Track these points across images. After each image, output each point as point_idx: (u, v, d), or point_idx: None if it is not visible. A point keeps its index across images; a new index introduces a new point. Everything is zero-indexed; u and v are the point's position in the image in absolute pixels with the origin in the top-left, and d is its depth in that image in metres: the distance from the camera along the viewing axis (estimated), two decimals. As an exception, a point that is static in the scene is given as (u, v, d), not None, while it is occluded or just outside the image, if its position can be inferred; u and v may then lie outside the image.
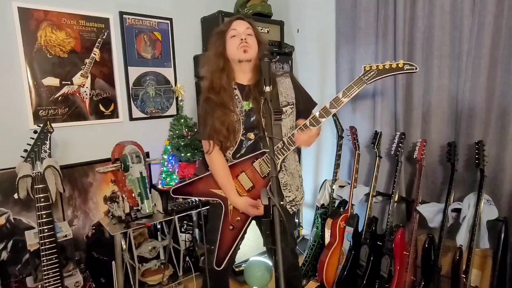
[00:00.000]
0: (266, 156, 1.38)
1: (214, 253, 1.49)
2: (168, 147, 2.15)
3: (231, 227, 1.42)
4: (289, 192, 1.47)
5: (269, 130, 1.11)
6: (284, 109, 1.43)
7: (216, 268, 1.43)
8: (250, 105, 1.43)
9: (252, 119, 1.43)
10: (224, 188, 1.44)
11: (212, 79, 1.42)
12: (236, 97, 1.43)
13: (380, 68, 1.35)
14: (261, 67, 1.26)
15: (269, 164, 1.37)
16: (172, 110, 2.41)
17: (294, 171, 1.51)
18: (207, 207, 2.18)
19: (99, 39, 2.04)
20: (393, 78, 2.13)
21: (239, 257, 1.99)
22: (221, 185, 1.45)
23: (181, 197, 1.52)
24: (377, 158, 2.13)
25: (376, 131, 2.19)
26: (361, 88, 1.36)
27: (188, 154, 2.25)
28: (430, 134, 2.05)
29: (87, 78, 2.02)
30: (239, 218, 1.43)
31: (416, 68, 1.34)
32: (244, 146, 1.44)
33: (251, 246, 2.37)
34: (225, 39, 1.43)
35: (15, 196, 1.46)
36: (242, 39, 1.38)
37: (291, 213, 1.49)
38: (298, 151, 1.54)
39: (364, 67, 1.36)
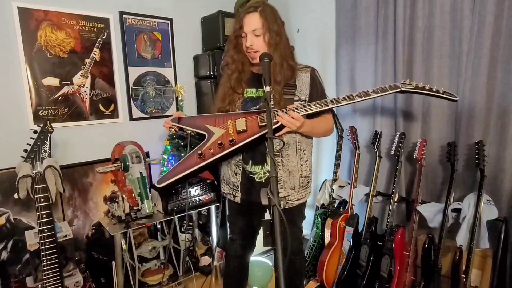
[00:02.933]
0: (276, 112, 1.35)
1: (237, 242, 1.63)
2: (168, 147, 2.15)
3: (199, 153, 1.38)
4: (281, 188, 1.46)
5: (269, 129, 1.10)
6: (296, 103, 1.41)
7: (156, 185, 1.40)
8: (254, 94, 1.45)
9: (252, 108, 1.44)
10: None
11: (226, 72, 1.49)
12: (242, 87, 1.47)
13: (420, 86, 1.43)
14: (262, 67, 1.26)
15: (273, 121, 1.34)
16: (172, 110, 2.41)
17: (293, 169, 1.48)
18: (207, 207, 2.20)
19: (99, 39, 2.04)
20: (393, 78, 2.13)
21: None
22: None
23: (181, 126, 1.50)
24: (377, 158, 2.13)
25: (376, 131, 2.19)
26: (393, 92, 1.41)
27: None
28: (430, 134, 2.05)
29: (87, 78, 2.02)
30: (212, 150, 1.39)
31: (456, 98, 1.45)
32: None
33: (251, 246, 2.37)
34: (239, 41, 1.44)
35: (15, 196, 1.46)
36: (247, 46, 1.40)
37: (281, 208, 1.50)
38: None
39: (404, 81, 1.44)
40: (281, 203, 1.48)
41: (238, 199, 1.54)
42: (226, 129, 1.40)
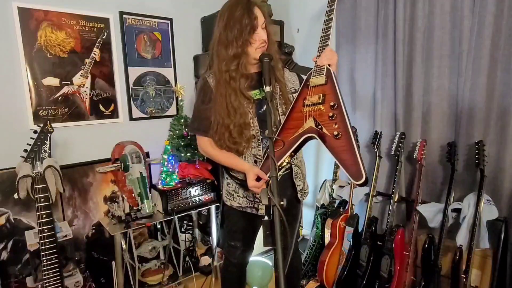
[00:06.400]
0: (314, 70, 1.30)
1: (239, 249, 1.56)
2: (168, 147, 2.15)
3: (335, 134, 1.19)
4: (299, 180, 1.47)
5: (269, 129, 1.10)
6: (293, 95, 1.40)
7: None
8: (260, 95, 1.39)
9: (262, 109, 1.39)
10: (234, 165, 1.39)
11: (227, 77, 1.33)
12: (249, 98, 1.36)
13: None
14: (262, 67, 1.26)
15: (321, 72, 1.27)
16: (172, 110, 2.41)
17: (301, 159, 1.52)
18: (207, 207, 2.20)
19: (99, 39, 2.04)
20: (393, 78, 2.13)
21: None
22: (230, 165, 1.41)
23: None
24: (377, 158, 2.13)
25: (376, 131, 2.19)
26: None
27: (188, 154, 2.25)
28: (430, 134, 2.05)
29: (87, 78, 2.02)
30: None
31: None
32: (264, 146, 1.38)
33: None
34: (252, 37, 1.30)
35: (15, 196, 1.46)
36: (262, 40, 1.31)
37: (301, 201, 1.49)
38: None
39: None
40: (303, 196, 1.49)
41: (262, 212, 1.41)
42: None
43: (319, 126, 1.22)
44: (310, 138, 1.23)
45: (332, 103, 1.20)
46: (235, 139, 1.33)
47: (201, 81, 1.45)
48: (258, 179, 1.28)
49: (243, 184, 1.42)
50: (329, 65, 1.27)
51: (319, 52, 1.32)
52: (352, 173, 1.09)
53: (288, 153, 1.25)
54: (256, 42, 1.32)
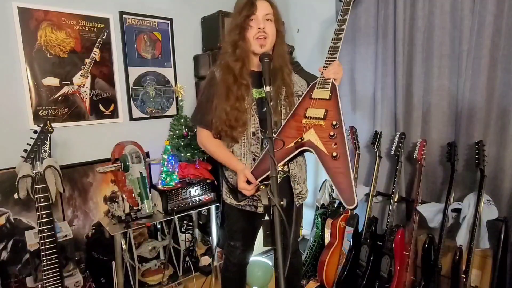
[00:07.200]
0: (319, 81, 1.32)
1: (239, 249, 1.57)
2: (168, 147, 2.15)
3: (334, 155, 1.18)
4: (297, 184, 1.46)
5: (269, 129, 1.10)
6: (299, 98, 1.40)
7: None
8: (262, 94, 1.40)
9: (264, 109, 1.37)
10: (229, 163, 1.41)
11: (226, 62, 1.36)
12: (247, 85, 1.37)
13: None
14: (262, 67, 1.26)
15: (326, 86, 1.29)
16: (172, 110, 2.41)
17: (302, 163, 1.51)
18: (207, 207, 2.20)
19: (99, 39, 2.04)
20: (393, 78, 2.13)
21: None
22: (226, 162, 1.43)
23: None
24: (377, 158, 2.13)
25: (376, 131, 2.19)
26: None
27: (188, 154, 2.25)
28: (430, 134, 2.05)
29: (87, 78, 2.02)
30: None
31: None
32: (265, 146, 1.38)
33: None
34: (248, 23, 1.33)
35: (15, 196, 1.46)
36: (259, 28, 1.31)
37: (297, 205, 1.48)
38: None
39: None
40: (299, 200, 1.48)
41: (261, 210, 1.43)
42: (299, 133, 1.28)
43: (318, 143, 1.23)
44: (307, 150, 1.25)
45: (334, 122, 1.23)
46: (231, 122, 1.35)
47: (209, 74, 1.47)
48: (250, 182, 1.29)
49: (234, 189, 1.43)
50: (334, 79, 1.29)
51: (327, 63, 1.33)
52: (345, 197, 1.10)
53: (283, 162, 1.26)
54: (253, 29, 1.33)
